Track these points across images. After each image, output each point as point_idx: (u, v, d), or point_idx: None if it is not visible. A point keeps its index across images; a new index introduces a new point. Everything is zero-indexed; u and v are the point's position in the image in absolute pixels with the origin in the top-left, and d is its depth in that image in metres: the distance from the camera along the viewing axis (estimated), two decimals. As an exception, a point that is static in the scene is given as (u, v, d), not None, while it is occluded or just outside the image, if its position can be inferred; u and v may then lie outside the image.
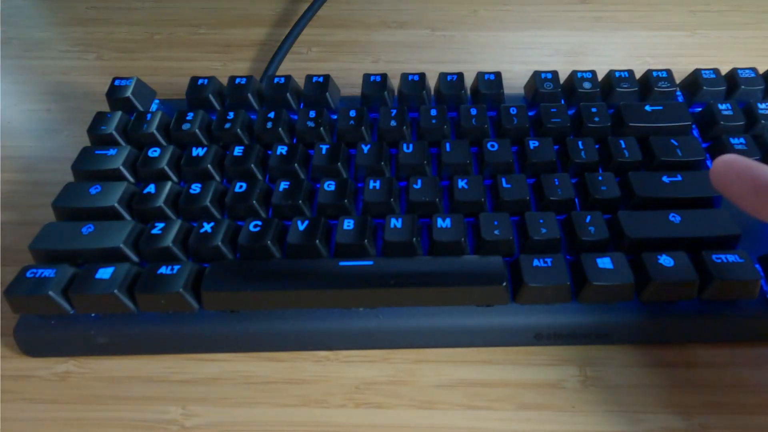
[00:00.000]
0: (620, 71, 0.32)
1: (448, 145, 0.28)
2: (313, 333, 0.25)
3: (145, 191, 0.27)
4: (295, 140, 0.30)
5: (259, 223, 0.25)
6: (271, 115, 0.30)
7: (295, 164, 0.28)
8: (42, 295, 0.23)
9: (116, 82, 0.32)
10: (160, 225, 0.25)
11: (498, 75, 0.32)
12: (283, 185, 0.27)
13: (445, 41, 0.41)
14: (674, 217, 0.25)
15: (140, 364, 0.25)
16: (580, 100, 0.31)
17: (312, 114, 0.30)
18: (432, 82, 0.33)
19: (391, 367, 0.25)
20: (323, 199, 0.26)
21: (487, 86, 0.31)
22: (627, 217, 0.25)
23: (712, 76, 0.31)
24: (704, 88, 0.31)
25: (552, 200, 0.26)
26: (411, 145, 0.28)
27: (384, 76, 0.32)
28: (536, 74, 0.32)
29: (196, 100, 0.32)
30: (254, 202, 0.26)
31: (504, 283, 0.23)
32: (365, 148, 0.28)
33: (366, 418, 0.23)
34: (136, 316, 0.25)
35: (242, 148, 0.29)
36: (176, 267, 0.24)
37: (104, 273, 0.24)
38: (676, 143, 0.28)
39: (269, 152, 0.29)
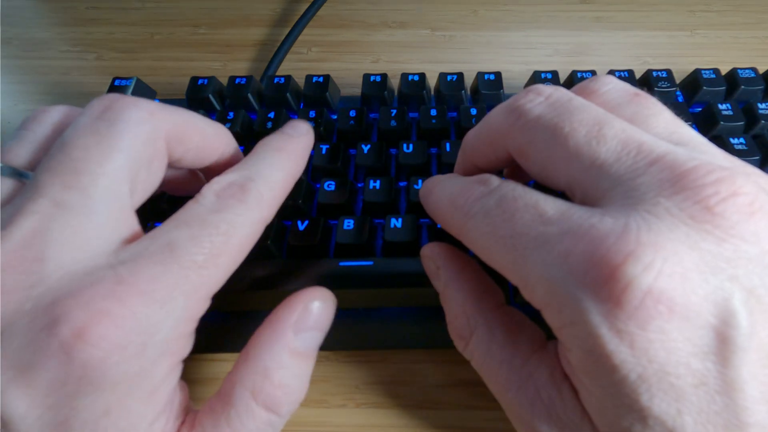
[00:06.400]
0: (620, 71, 0.32)
1: (447, 145, 0.28)
2: (313, 333, 0.25)
3: (145, 191, 0.27)
4: (295, 140, 0.30)
5: (259, 223, 0.25)
6: (271, 115, 0.30)
7: (295, 164, 0.28)
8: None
9: (116, 82, 0.32)
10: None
11: (498, 75, 0.32)
12: (283, 185, 0.27)
13: (445, 41, 0.41)
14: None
15: (140, 364, 0.25)
16: (580, 100, 0.31)
17: (312, 114, 0.30)
18: (432, 82, 0.33)
19: (391, 367, 0.25)
20: (323, 199, 0.26)
21: (487, 86, 0.31)
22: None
23: (712, 76, 0.31)
24: (704, 88, 0.31)
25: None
26: (411, 145, 0.28)
27: (384, 76, 0.32)
28: (536, 74, 0.32)
29: (196, 100, 0.32)
30: (254, 202, 0.26)
31: (504, 284, 0.23)
32: (365, 148, 0.28)
33: (366, 418, 0.23)
34: (136, 316, 0.24)
35: (242, 148, 0.29)
36: (176, 267, 0.24)
37: (104, 273, 0.24)
38: (676, 143, 0.28)
39: (269, 152, 0.29)
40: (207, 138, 0.21)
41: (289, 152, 0.21)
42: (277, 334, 0.19)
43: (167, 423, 0.17)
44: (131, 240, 0.17)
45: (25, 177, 0.18)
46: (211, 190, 0.18)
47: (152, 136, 0.18)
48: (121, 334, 0.15)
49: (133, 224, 0.18)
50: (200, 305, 0.17)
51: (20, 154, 0.19)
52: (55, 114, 0.20)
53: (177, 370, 0.18)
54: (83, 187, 0.17)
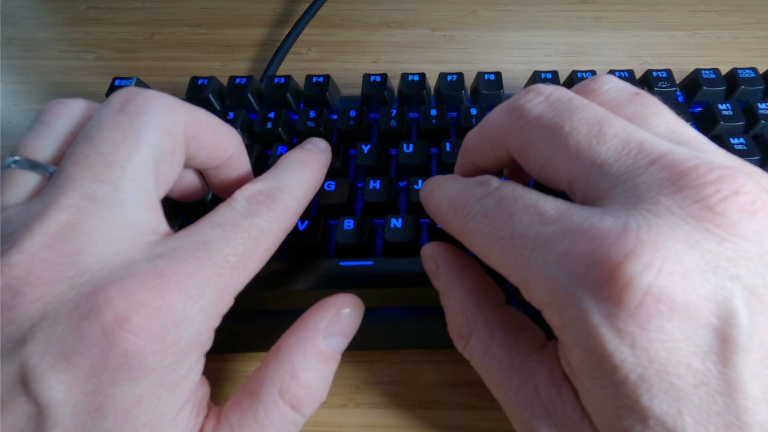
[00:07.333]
0: (620, 71, 0.32)
1: (447, 145, 0.28)
2: (313, 333, 0.25)
3: (145, 191, 0.27)
4: (295, 140, 0.30)
5: (259, 223, 0.25)
6: (271, 115, 0.30)
7: (295, 164, 0.28)
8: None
9: (116, 82, 0.32)
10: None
11: (498, 75, 0.32)
12: (283, 185, 0.27)
13: (445, 41, 0.41)
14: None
15: (140, 364, 0.25)
16: (580, 100, 0.31)
17: (312, 114, 0.30)
18: (432, 82, 0.33)
19: (391, 367, 0.25)
20: (323, 199, 0.26)
21: (487, 86, 0.31)
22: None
23: (712, 76, 0.31)
24: (704, 88, 0.31)
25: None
26: (411, 145, 0.28)
27: (384, 76, 0.32)
28: (536, 74, 0.32)
29: (196, 100, 0.32)
30: (254, 202, 0.26)
31: (504, 283, 0.23)
32: (365, 148, 0.28)
33: (366, 418, 0.23)
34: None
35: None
36: (176, 267, 0.24)
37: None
38: (676, 143, 0.28)
39: (269, 152, 0.29)
40: (220, 137, 0.21)
41: (311, 167, 0.22)
42: (308, 335, 0.20)
43: (190, 413, 0.18)
44: (160, 231, 0.18)
45: (47, 171, 0.18)
46: (242, 195, 0.19)
47: (173, 129, 0.19)
48: (159, 326, 0.15)
49: (160, 216, 0.19)
50: (227, 303, 0.18)
51: (41, 148, 0.19)
52: (74, 107, 0.20)
53: (201, 363, 0.18)
54: (114, 180, 0.17)
